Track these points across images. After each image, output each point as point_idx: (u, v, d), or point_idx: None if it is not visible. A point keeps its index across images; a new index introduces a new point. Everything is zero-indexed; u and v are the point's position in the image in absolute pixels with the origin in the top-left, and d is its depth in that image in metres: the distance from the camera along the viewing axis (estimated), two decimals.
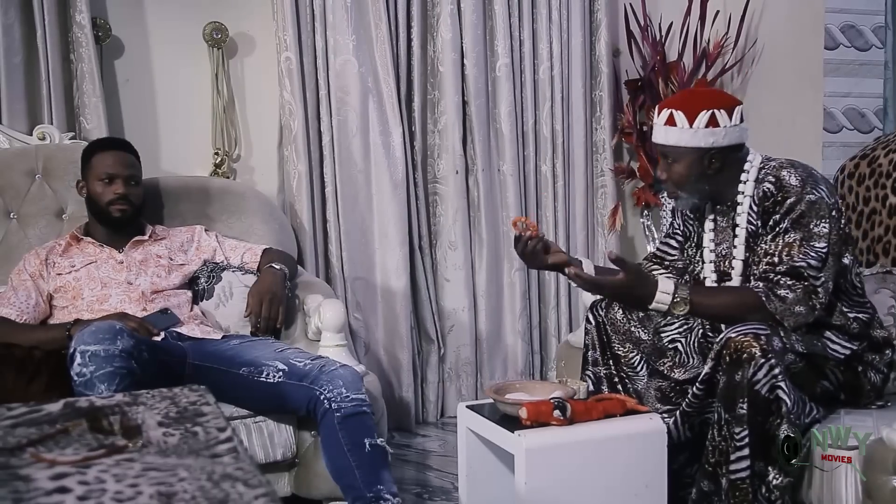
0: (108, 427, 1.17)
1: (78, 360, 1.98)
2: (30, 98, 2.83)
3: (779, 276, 2.00)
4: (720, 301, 2.08)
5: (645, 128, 3.49)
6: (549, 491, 1.92)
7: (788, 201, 2.03)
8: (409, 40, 3.25)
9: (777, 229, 2.04)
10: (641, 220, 3.57)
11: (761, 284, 2.02)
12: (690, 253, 2.32)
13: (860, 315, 2.12)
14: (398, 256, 3.21)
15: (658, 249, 2.42)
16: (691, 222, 2.32)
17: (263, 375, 2.19)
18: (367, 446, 2.10)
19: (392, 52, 3.18)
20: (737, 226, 2.15)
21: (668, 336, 2.26)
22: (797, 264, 1.99)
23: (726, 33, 3.47)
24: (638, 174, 3.55)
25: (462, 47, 3.28)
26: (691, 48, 3.46)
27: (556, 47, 3.44)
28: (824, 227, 2.01)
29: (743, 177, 2.13)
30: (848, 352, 2.07)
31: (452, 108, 3.28)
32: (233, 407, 2.21)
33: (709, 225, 2.24)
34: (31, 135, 2.79)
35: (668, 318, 2.23)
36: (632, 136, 3.51)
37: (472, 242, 3.40)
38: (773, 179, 2.08)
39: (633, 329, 2.28)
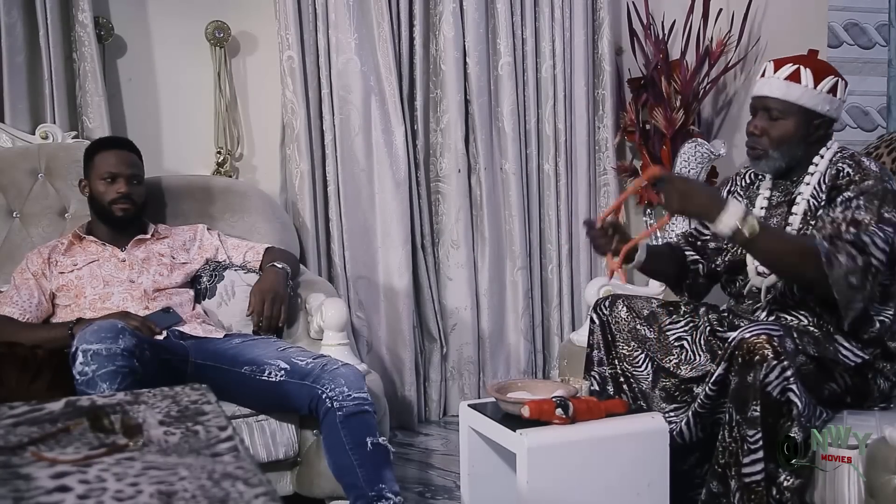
0: (109, 426, 1.17)
1: (80, 358, 1.98)
2: (32, 97, 2.84)
3: (842, 243, 1.96)
4: (784, 239, 2.04)
5: (647, 126, 3.49)
6: (551, 490, 1.91)
7: (866, 182, 2.01)
8: (412, 39, 3.25)
9: (847, 203, 2.00)
10: (644, 218, 3.57)
11: (825, 243, 1.98)
12: None
13: (884, 318, 2.08)
14: (400, 255, 3.21)
15: (694, 229, 2.39)
16: (740, 198, 2.28)
17: (265, 374, 2.19)
18: (370, 445, 2.10)
19: (394, 51, 3.18)
20: (795, 203, 2.13)
21: (674, 334, 2.24)
22: (864, 238, 1.96)
23: (729, 31, 3.47)
24: (640, 172, 3.55)
25: (464, 46, 3.28)
26: (694, 46, 3.46)
27: (559, 46, 3.44)
28: (894, 217, 1.99)
29: (816, 158, 2.12)
30: (859, 360, 2.04)
31: (455, 106, 3.28)
32: (235, 406, 2.21)
33: (761, 202, 2.22)
34: (33, 134, 2.80)
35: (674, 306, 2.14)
36: (634, 134, 3.51)
37: (474, 241, 3.40)
38: (852, 164, 2.06)
39: (638, 327, 2.25)
